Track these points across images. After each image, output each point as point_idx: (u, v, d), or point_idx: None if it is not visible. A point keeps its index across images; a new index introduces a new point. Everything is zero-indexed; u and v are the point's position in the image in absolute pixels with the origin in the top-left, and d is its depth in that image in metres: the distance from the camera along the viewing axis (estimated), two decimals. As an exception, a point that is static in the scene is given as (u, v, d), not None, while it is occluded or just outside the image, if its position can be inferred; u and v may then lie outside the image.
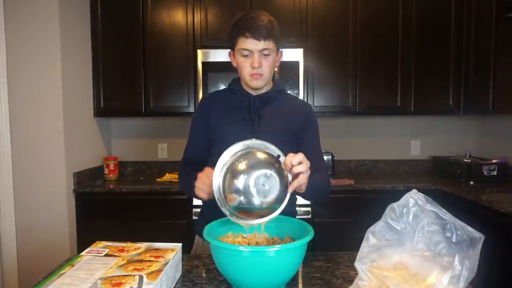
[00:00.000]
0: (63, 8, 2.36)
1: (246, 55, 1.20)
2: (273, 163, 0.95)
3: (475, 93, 2.62)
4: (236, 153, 0.99)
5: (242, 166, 0.93)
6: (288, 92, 1.48)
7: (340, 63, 2.72)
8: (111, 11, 2.68)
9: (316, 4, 2.68)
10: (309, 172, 0.99)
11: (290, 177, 0.97)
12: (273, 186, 0.92)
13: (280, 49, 1.28)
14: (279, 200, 0.94)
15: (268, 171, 0.92)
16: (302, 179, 0.97)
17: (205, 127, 1.31)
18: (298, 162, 0.96)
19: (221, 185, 0.96)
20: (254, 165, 0.93)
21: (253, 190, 0.91)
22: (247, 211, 0.94)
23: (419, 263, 0.74)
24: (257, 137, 1.21)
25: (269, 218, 0.95)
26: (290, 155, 0.97)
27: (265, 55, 1.19)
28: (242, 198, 0.92)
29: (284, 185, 0.95)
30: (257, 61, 1.19)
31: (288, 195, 0.97)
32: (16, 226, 2.34)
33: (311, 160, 1.13)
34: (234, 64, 1.27)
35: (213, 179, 0.97)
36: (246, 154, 0.97)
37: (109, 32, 2.69)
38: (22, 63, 2.31)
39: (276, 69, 2.52)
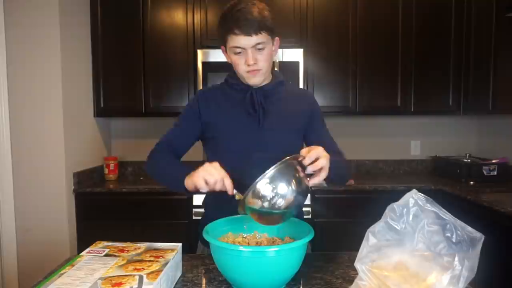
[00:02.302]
0: (63, 8, 2.36)
1: (239, 52, 1.11)
2: (293, 170, 0.93)
3: (475, 93, 2.62)
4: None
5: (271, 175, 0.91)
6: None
7: (340, 63, 2.72)
8: (111, 11, 2.68)
9: (316, 4, 2.68)
10: (328, 165, 0.96)
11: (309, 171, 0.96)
12: (290, 193, 0.91)
13: (276, 37, 1.18)
14: (296, 205, 0.94)
15: (291, 181, 0.91)
16: (323, 176, 0.96)
17: (197, 120, 1.23)
18: (316, 158, 0.94)
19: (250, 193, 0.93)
20: (280, 175, 0.91)
21: (272, 197, 0.90)
22: (260, 214, 0.93)
23: (419, 263, 0.74)
24: (263, 133, 1.18)
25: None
26: (307, 154, 0.94)
27: (259, 49, 1.10)
28: (265, 203, 0.90)
29: (303, 190, 0.93)
30: (251, 58, 1.10)
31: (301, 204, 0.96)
32: (16, 226, 2.34)
33: (324, 148, 1.12)
34: (229, 60, 1.18)
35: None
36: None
37: (109, 32, 2.69)
38: (22, 63, 2.31)
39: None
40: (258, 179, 0.89)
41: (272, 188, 0.89)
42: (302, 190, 0.93)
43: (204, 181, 0.99)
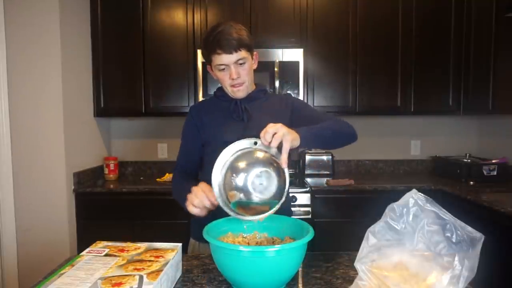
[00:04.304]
0: (63, 8, 2.36)
1: (223, 69, 1.25)
2: (270, 161, 0.97)
3: (475, 93, 2.62)
4: (235, 152, 1.02)
5: (241, 164, 0.97)
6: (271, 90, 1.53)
7: (340, 63, 2.72)
8: (111, 11, 2.68)
9: (316, 4, 2.68)
10: (287, 135, 0.95)
11: (286, 172, 0.98)
12: (271, 183, 0.95)
13: (255, 52, 1.33)
14: (276, 196, 0.96)
15: (265, 169, 0.95)
16: (286, 145, 0.95)
17: (196, 132, 1.36)
18: (272, 135, 0.95)
19: (221, 183, 0.99)
20: (252, 163, 0.96)
21: (251, 187, 0.94)
22: (245, 207, 0.97)
23: (419, 263, 0.74)
24: (250, 134, 1.25)
25: (268, 213, 0.98)
26: (261, 135, 0.96)
27: (240, 64, 1.25)
28: (242, 195, 0.95)
29: (282, 181, 0.97)
30: (234, 73, 1.24)
31: (285, 193, 0.98)
32: (16, 226, 2.34)
33: (315, 123, 1.17)
34: (215, 77, 1.32)
35: (212, 178, 1.00)
36: (245, 153, 1.00)
37: (109, 32, 2.69)
38: (22, 63, 2.31)
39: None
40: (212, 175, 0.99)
41: (233, 176, 0.95)
42: (273, 170, 0.95)
43: (192, 206, 1.09)
